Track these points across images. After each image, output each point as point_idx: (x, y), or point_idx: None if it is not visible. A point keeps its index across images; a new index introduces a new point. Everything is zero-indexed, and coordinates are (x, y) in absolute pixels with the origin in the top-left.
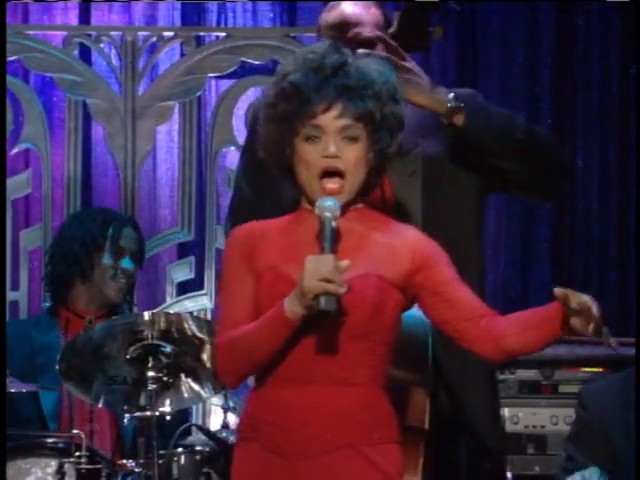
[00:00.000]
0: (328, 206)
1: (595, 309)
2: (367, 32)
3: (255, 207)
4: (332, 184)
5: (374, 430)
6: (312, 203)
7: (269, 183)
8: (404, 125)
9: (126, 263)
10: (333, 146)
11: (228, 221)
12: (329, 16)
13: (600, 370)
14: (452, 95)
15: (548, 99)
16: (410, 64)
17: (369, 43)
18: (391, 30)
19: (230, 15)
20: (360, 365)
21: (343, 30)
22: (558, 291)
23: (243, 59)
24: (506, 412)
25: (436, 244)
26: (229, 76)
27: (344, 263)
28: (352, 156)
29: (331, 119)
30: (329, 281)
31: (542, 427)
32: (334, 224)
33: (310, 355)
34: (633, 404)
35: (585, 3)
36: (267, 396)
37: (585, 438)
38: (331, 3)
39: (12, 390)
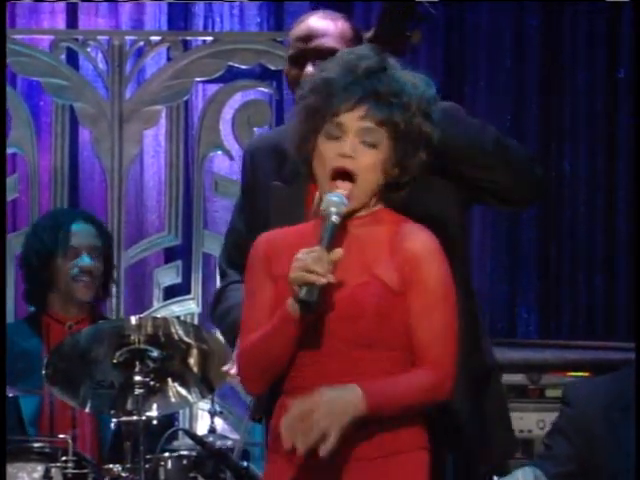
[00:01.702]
0: (334, 201)
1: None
2: (330, 43)
3: (249, 244)
4: (342, 189)
5: (393, 439)
6: None
7: (263, 223)
8: (433, 142)
9: (83, 261)
10: (349, 146)
11: (221, 253)
12: (296, 29)
13: (587, 374)
14: None
15: (535, 102)
16: None
17: (331, 53)
18: (368, 34)
19: (217, 19)
20: (370, 373)
21: (307, 41)
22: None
23: (230, 63)
24: None
25: (437, 266)
26: (216, 80)
27: (334, 255)
28: (367, 161)
29: (354, 119)
30: (310, 271)
31: (529, 431)
32: (335, 219)
33: (326, 366)
34: (619, 404)
35: (572, 4)
36: (286, 405)
37: (566, 431)
38: (301, 17)
39: None
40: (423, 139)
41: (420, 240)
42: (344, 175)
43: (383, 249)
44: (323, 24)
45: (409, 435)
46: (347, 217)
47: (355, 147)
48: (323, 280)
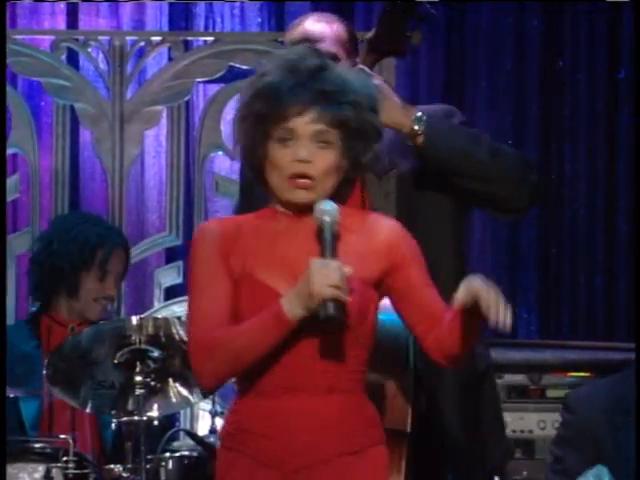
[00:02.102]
0: (328, 210)
1: (487, 296)
2: (327, 47)
3: None
4: (302, 194)
5: (363, 435)
6: (282, 203)
7: (260, 200)
8: (382, 136)
9: (110, 286)
10: (305, 151)
11: None
12: (292, 33)
13: (588, 375)
14: (418, 115)
15: (536, 102)
16: (377, 82)
17: (329, 58)
18: (369, 35)
19: (218, 20)
20: (345, 372)
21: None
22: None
23: (231, 64)
24: None
25: (413, 242)
26: (217, 81)
27: (348, 270)
28: (324, 162)
29: (304, 123)
30: (338, 287)
31: (530, 432)
32: (335, 228)
33: (298, 364)
34: (622, 408)
35: (572, 4)
36: (255, 406)
37: (573, 440)
38: (294, 22)
39: None
40: (374, 133)
41: (396, 227)
42: (302, 179)
43: (356, 243)
44: (319, 28)
45: (373, 431)
46: (306, 214)
47: (310, 151)
48: (348, 298)
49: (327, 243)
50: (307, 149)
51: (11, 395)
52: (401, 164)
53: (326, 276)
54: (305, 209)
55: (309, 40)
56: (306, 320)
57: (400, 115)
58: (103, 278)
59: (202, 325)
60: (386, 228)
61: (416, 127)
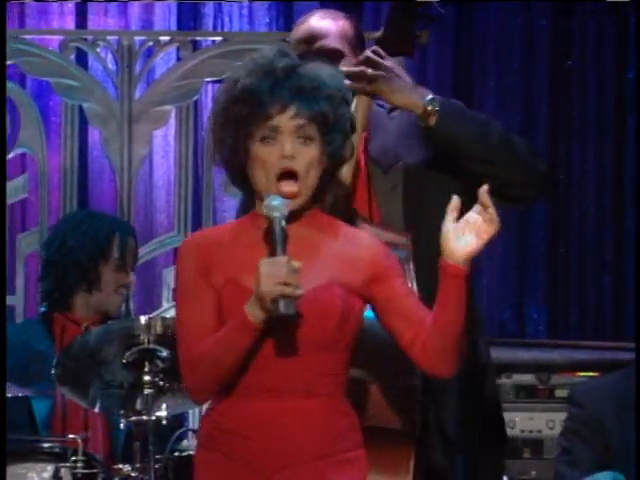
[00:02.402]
0: (276, 205)
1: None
2: (332, 44)
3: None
4: (289, 187)
5: (343, 438)
6: None
7: None
8: (355, 128)
9: (129, 275)
10: (290, 146)
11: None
12: (298, 31)
13: (596, 374)
14: (429, 97)
15: (544, 103)
16: (389, 64)
17: (334, 54)
18: (377, 34)
19: (226, 19)
20: (326, 375)
21: (310, 43)
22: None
23: (239, 63)
24: None
25: (394, 255)
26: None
27: (297, 264)
28: (307, 157)
29: (287, 119)
30: (286, 284)
31: (538, 432)
32: (284, 224)
33: (278, 366)
34: (627, 404)
35: (581, 5)
36: (234, 407)
37: (580, 432)
38: (301, 18)
39: (8, 395)
40: (349, 126)
41: (373, 239)
42: (288, 175)
43: (336, 249)
44: (324, 24)
45: (352, 434)
46: (291, 218)
47: (294, 147)
48: (299, 292)
49: (277, 239)
50: (291, 145)
51: (20, 394)
52: (407, 157)
53: (272, 274)
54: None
55: (314, 37)
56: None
57: (413, 96)
58: (121, 267)
59: (187, 340)
60: (367, 240)
61: (429, 107)
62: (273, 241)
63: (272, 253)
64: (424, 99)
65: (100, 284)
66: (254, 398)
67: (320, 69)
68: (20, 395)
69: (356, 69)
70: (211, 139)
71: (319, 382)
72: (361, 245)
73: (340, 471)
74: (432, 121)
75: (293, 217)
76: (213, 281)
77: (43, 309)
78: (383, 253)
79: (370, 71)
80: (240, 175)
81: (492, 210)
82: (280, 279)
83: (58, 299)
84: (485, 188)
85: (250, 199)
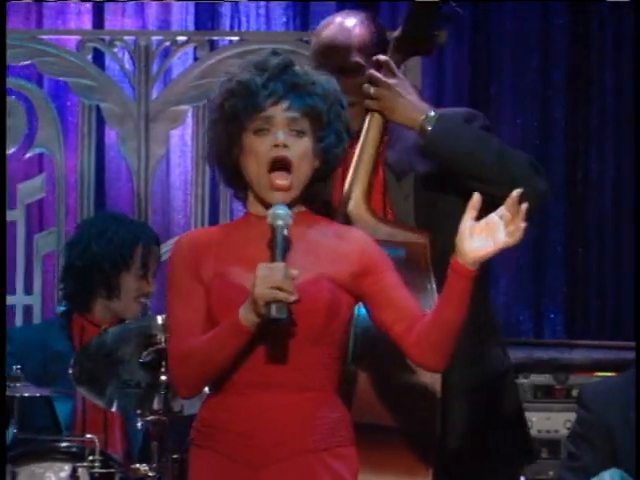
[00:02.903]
0: (280, 214)
1: (496, 218)
2: (352, 58)
3: None
4: (281, 179)
5: (333, 434)
6: (260, 201)
7: None
8: (350, 132)
9: (150, 283)
10: (282, 135)
11: None
12: (316, 43)
13: (613, 374)
14: (430, 115)
15: (561, 103)
16: (393, 80)
17: (355, 67)
18: (395, 34)
19: (243, 19)
20: (317, 369)
21: (329, 57)
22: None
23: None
24: None
25: (381, 249)
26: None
27: (295, 272)
28: (300, 148)
29: (280, 111)
30: (280, 289)
31: (556, 432)
32: (286, 232)
33: (268, 361)
34: (632, 405)
35: (598, 4)
36: (225, 403)
37: (588, 437)
38: (319, 26)
39: (26, 395)
40: (344, 127)
41: (363, 234)
42: (280, 167)
43: (325, 245)
44: (343, 37)
45: (343, 430)
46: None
47: (287, 137)
48: (293, 298)
49: (277, 246)
50: (284, 134)
51: (39, 395)
52: (419, 167)
53: (268, 278)
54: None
55: (333, 51)
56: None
57: (412, 113)
58: (142, 276)
59: (177, 336)
60: (355, 234)
61: (426, 126)
62: (274, 247)
63: (272, 259)
64: (422, 118)
65: (120, 292)
66: (243, 393)
67: (311, 71)
68: (42, 396)
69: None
70: (206, 139)
71: (308, 377)
72: (350, 240)
73: (329, 467)
74: (425, 140)
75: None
76: (201, 278)
77: (62, 309)
78: (372, 247)
79: (372, 90)
80: (234, 172)
81: (520, 222)
82: (275, 283)
83: (78, 302)
84: (516, 194)
85: (243, 200)
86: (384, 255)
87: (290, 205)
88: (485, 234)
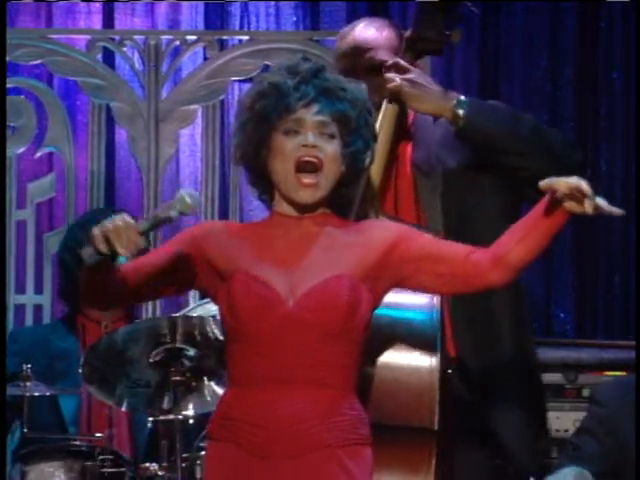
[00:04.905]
0: (188, 202)
1: (585, 186)
2: (379, 55)
3: None
4: (308, 179)
5: (352, 431)
6: (287, 200)
7: None
8: (376, 140)
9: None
10: (312, 136)
11: None
12: (342, 44)
13: (624, 374)
14: (460, 99)
15: (571, 102)
16: (415, 72)
17: (382, 66)
18: (406, 34)
19: (253, 19)
20: (336, 367)
21: (356, 56)
22: (542, 184)
23: (266, 63)
24: None
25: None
26: (252, 80)
27: (140, 242)
28: (330, 150)
29: (310, 114)
30: (107, 238)
31: (565, 431)
32: (174, 215)
33: (287, 357)
34: None
35: (607, 3)
36: (244, 397)
37: (593, 430)
38: (345, 29)
39: (36, 394)
40: (371, 136)
41: (380, 222)
42: (308, 167)
43: (347, 243)
44: (370, 36)
45: (361, 429)
46: (307, 212)
47: (316, 138)
48: (103, 248)
49: (155, 217)
50: (313, 135)
51: (47, 393)
52: (447, 161)
53: (110, 225)
54: (305, 209)
55: (360, 49)
56: (295, 313)
57: (440, 102)
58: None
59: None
60: (375, 222)
61: (458, 111)
62: (153, 218)
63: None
64: (451, 104)
65: None
66: (263, 388)
67: (342, 77)
68: (47, 394)
69: (387, 75)
70: (234, 140)
71: (327, 374)
72: (372, 228)
73: (345, 466)
74: (461, 123)
75: (307, 216)
76: (206, 253)
77: (67, 309)
78: (394, 226)
79: (399, 79)
80: (261, 173)
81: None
82: (107, 232)
83: (70, 297)
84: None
85: (268, 201)
86: (409, 227)
87: (315, 206)
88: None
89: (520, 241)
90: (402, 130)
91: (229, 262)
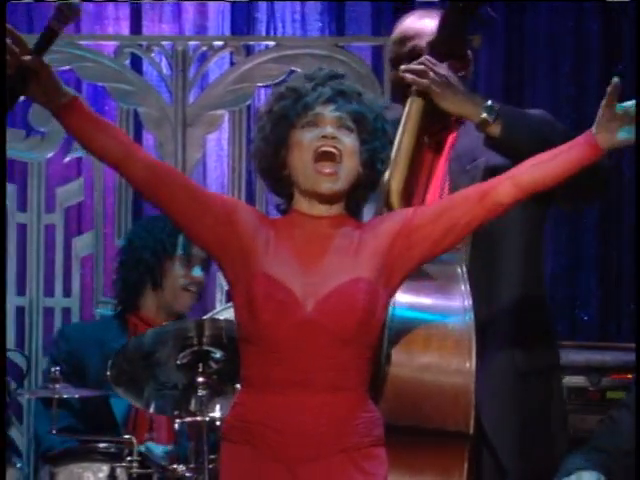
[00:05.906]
0: None
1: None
2: (424, 44)
3: None
4: (328, 168)
5: (368, 433)
6: (305, 195)
7: None
8: (393, 145)
9: (197, 271)
10: (330, 129)
11: None
12: (394, 32)
13: None
14: (488, 104)
15: (595, 106)
16: (443, 71)
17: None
18: (429, 39)
19: (279, 24)
20: (352, 370)
21: (403, 44)
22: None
23: (292, 68)
24: None
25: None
26: (278, 85)
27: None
28: (348, 143)
29: (329, 110)
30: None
31: (590, 433)
32: (57, 27)
33: (305, 361)
34: None
35: (633, 6)
36: (261, 400)
37: (632, 405)
38: (401, 20)
39: (65, 396)
40: (387, 140)
41: (387, 215)
42: (327, 156)
43: (362, 243)
44: (419, 25)
45: (379, 431)
46: (325, 211)
47: (335, 130)
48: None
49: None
50: (332, 129)
51: (76, 395)
52: (488, 155)
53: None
54: (323, 206)
55: (407, 38)
56: (314, 318)
57: (468, 104)
58: (188, 263)
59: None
60: (385, 215)
61: (487, 116)
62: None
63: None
64: (480, 108)
65: (165, 281)
66: (280, 392)
67: (361, 88)
68: (100, 395)
69: (416, 67)
70: (253, 146)
71: (342, 377)
72: (383, 219)
73: (361, 467)
74: (494, 131)
75: (325, 216)
76: (230, 222)
77: (99, 311)
78: (398, 210)
79: (431, 73)
80: (280, 177)
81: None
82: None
83: (127, 299)
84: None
85: (285, 209)
86: (413, 210)
87: (334, 201)
88: (627, 122)
89: (538, 164)
90: (446, 120)
91: (255, 260)
